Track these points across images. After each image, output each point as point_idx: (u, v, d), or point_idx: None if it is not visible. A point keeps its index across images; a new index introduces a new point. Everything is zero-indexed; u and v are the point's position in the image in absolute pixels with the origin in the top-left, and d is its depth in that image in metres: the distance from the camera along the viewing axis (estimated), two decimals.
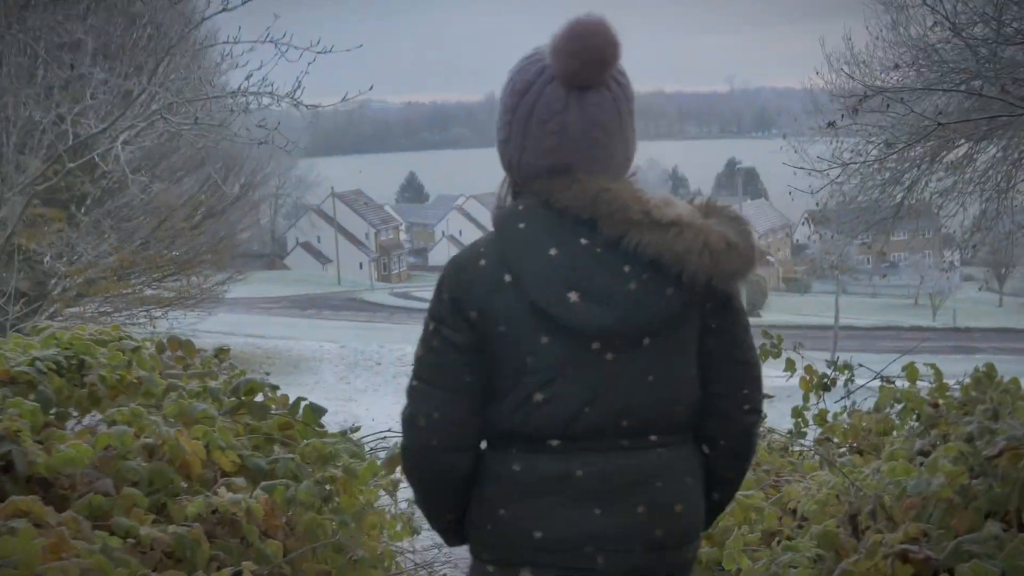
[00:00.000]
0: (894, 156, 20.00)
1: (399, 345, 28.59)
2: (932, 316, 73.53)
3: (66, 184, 20.43)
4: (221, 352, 5.79)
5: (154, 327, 23.66)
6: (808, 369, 7.49)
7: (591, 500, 2.70)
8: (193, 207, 23.67)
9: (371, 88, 10.00)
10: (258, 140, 10.69)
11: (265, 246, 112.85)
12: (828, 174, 20.56)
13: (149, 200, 22.51)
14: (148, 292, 24.10)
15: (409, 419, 2.80)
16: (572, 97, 2.68)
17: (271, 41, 9.62)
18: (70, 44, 10.94)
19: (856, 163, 19.37)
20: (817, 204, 20.66)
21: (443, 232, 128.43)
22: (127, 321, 23.56)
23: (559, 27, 2.67)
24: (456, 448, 2.78)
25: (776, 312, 69.35)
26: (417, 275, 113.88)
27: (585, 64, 2.63)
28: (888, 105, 14.89)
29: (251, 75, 9.97)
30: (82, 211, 21.53)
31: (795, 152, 20.56)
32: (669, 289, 2.64)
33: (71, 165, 9.92)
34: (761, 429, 3.73)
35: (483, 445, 2.88)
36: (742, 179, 43.26)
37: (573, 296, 2.62)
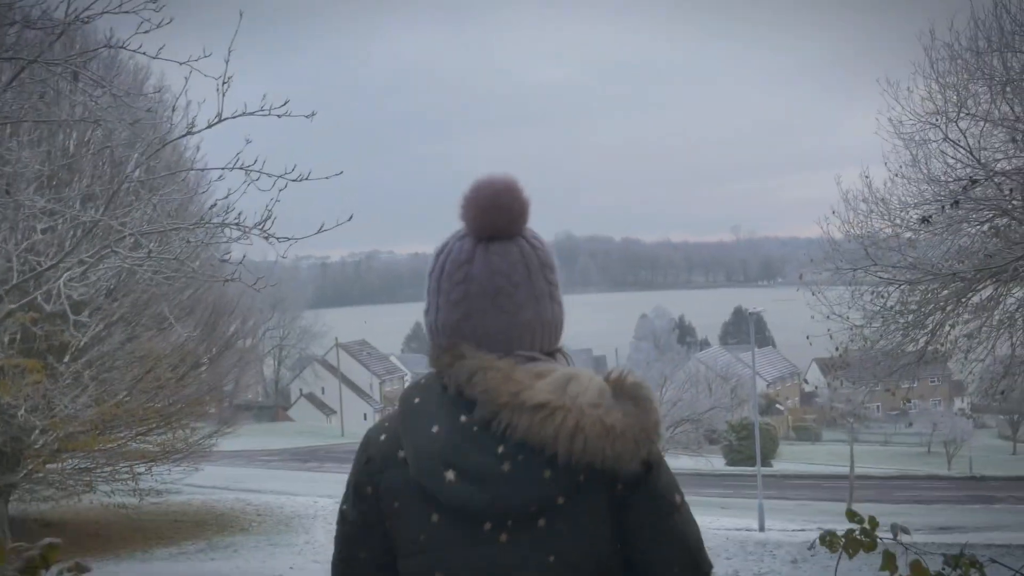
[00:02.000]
0: (916, 299, 19.27)
1: None
2: (947, 465, 71.63)
3: (45, 333, 19.54)
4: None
5: (137, 483, 22.55)
6: (916, 569, 4.27)
7: None
8: (180, 356, 22.56)
9: (350, 218, 8.84)
10: (223, 278, 9.68)
11: (268, 398, 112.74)
12: (848, 317, 19.88)
13: (132, 350, 21.54)
14: (132, 447, 22.87)
15: None
16: (479, 248, 2.73)
17: (240, 168, 8.56)
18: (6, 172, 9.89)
19: (889, 309, 18.67)
20: (837, 349, 19.86)
21: None
22: (109, 478, 22.44)
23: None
24: None
25: (787, 461, 68.19)
26: None
27: (486, 210, 2.70)
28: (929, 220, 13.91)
29: (215, 204, 8.96)
30: (63, 362, 20.51)
31: (813, 295, 19.78)
32: (546, 471, 2.55)
33: (12, 307, 8.79)
34: None
35: None
36: (753, 325, 41.93)
37: (450, 475, 2.57)
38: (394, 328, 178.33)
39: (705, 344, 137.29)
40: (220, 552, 19.68)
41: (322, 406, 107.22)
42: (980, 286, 18.29)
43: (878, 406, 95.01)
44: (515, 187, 2.74)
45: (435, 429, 2.62)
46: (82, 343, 21.70)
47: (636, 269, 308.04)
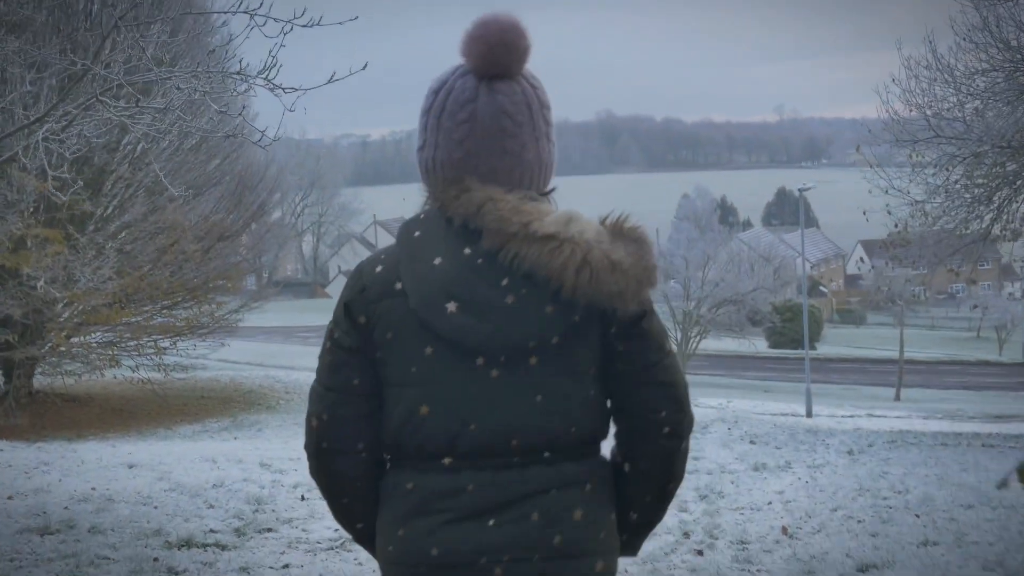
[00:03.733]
0: (982, 174, 18.18)
1: None
2: (998, 350, 70.69)
3: (66, 202, 18.76)
4: None
5: (161, 358, 21.89)
6: None
7: (484, 513, 2.66)
8: (206, 228, 21.77)
9: (365, 66, 7.79)
10: (226, 133, 8.72)
11: (307, 274, 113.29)
12: (909, 192, 18.78)
13: (156, 221, 20.79)
14: (157, 321, 22.18)
15: (307, 420, 2.84)
16: (482, 86, 2.71)
17: (244, 12, 7.54)
18: None
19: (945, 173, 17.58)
20: (896, 226, 18.78)
21: None
22: (134, 352, 21.79)
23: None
24: (343, 451, 2.80)
25: (832, 344, 67.61)
26: None
27: (492, 46, 2.67)
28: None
29: (213, 51, 7.94)
30: (85, 233, 19.78)
31: (871, 167, 18.65)
32: (548, 306, 2.60)
33: None
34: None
35: (387, 464, 2.85)
36: (802, 203, 40.86)
37: (451, 306, 2.60)
38: None
39: (747, 225, 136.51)
40: (243, 431, 19.03)
41: None
42: None
43: (924, 289, 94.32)
44: (520, 26, 2.71)
45: (437, 261, 2.64)
46: (105, 213, 20.97)
47: (677, 149, 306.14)
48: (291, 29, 7.66)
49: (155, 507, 9.02)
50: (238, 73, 7.90)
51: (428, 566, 2.67)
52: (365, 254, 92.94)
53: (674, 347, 3.12)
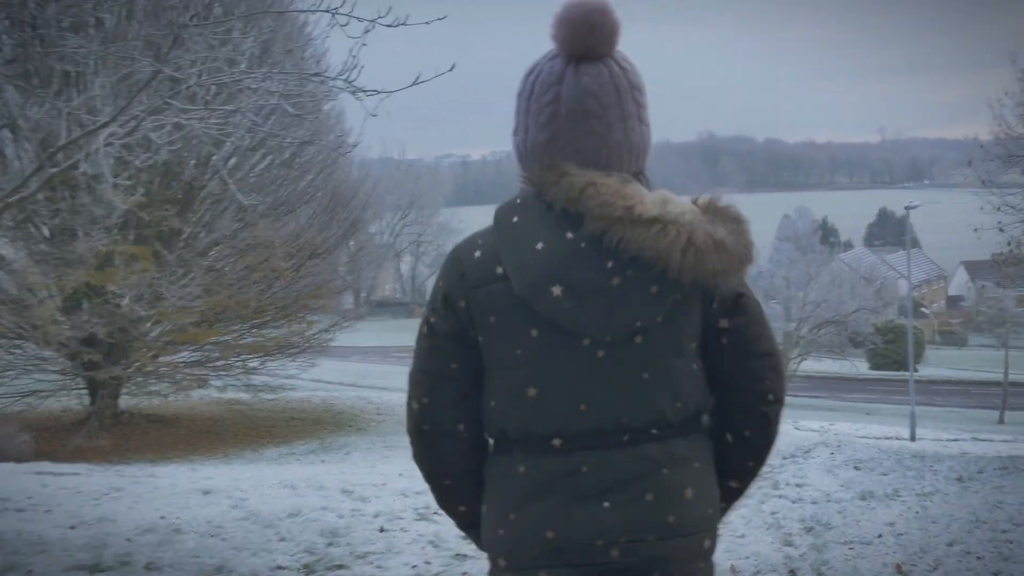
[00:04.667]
0: None
1: None
2: None
3: (153, 218, 18.54)
4: None
5: (249, 378, 21.60)
6: None
7: (598, 495, 2.70)
8: (297, 246, 21.45)
9: (452, 68, 7.28)
10: (301, 139, 8.28)
11: (405, 294, 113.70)
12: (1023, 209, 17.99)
13: (245, 238, 20.52)
14: (246, 340, 21.90)
15: (407, 405, 2.89)
16: (568, 68, 2.72)
17: (325, 10, 7.07)
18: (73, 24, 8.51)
19: None
20: (1009, 244, 18.03)
21: None
22: (222, 372, 21.53)
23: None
24: (444, 433, 2.84)
25: (934, 366, 66.16)
26: None
27: (576, 27, 2.68)
28: None
29: (290, 50, 7.46)
30: (174, 249, 19.55)
31: (983, 183, 17.92)
32: (653, 287, 2.64)
33: (53, 170, 7.45)
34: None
35: (490, 447, 2.88)
36: (909, 221, 39.90)
37: (556, 290, 2.64)
38: None
39: (848, 246, 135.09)
40: (331, 454, 18.60)
41: None
42: None
43: None
44: (606, 6, 2.71)
45: (540, 246, 2.65)
46: (194, 230, 20.74)
47: (778, 169, 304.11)
48: (373, 28, 7.18)
49: (223, 539, 8.56)
50: (316, 74, 7.45)
51: (544, 550, 2.71)
52: None
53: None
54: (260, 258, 20.67)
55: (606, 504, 2.69)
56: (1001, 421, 40.12)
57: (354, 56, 7.37)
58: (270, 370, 22.20)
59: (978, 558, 8.27)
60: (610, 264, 2.62)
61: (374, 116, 7.69)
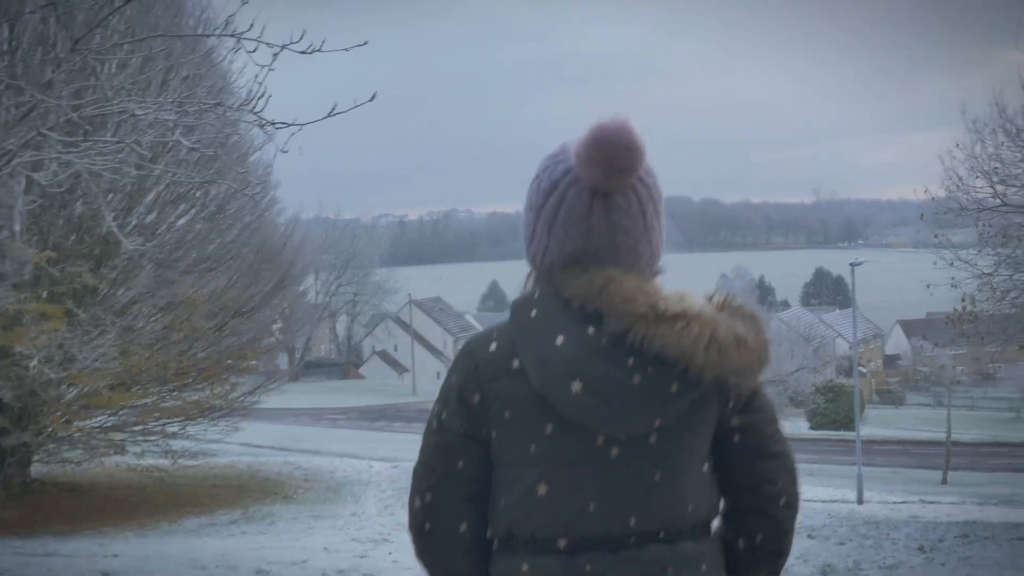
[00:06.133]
0: None
1: None
2: None
3: (66, 274, 17.57)
4: None
5: (168, 444, 20.53)
6: None
7: None
8: (220, 304, 20.48)
9: (373, 97, 6.45)
10: (217, 185, 7.28)
11: (340, 354, 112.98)
12: (975, 264, 17.41)
13: (164, 296, 19.55)
14: (166, 403, 20.85)
15: (410, 501, 2.87)
16: (596, 202, 2.71)
17: (230, 35, 6.24)
18: None
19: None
20: (963, 300, 17.45)
21: None
22: (139, 438, 20.46)
23: (583, 132, 2.68)
24: (446, 533, 2.81)
25: (873, 425, 65.93)
26: None
27: (608, 172, 2.66)
28: None
29: (187, 77, 6.56)
30: (88, 307, 18.55)
31: (935, 237, 17.33)
32: (674, 385, 2.60)
33: None
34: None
35: (494, 546, 2.83)
36: (852, 280, 39.38)
37: (576, 386, 2.60)
38: (470, 286, 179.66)
39: (786, 305, 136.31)
40: (254, 524, 17.60)
41: (394, 364, 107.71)
42: None
43: (962, 369, 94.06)
44: (637, 146, 2.64)
45: (560, 340, 2.62)
46: (111, 288, 19.77)
47: (716, 229, 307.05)
48: (277, 55, 6.34)
49: None
50: (217, 103, 6.55)
51: None
52: (399, 334, 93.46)
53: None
54: (181, 317, 19.68)
55: None
56: (944, 481, 39.77)
57: (260, 84, 6.52)
58: (191, 435, 21.15)
59: None
60: (631, 361, 2.60)
61: (284, 152, 6.85)
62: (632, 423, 2.62)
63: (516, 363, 2.67)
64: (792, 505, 2.84)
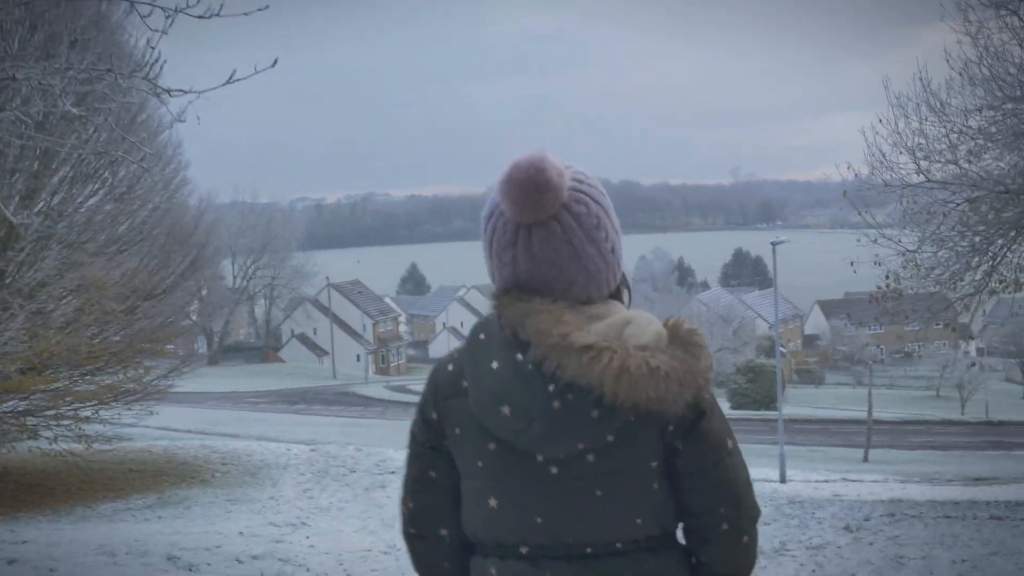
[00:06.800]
0: (978, 220, 16.75)
1: (379, 448, 24.77)
2: (960, 409, 70.41)
3: None
4: None
5: (81, 428, 19.99)
6: None
7: None
8: (131, 287, 19.95)
9: (274, 63, 6.10)
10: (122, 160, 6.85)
11: (259, 338, 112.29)
12: (899, 241, 17.31)
13: (74, 278, 19.02)
14: (79, 388, 20.29)
15: (400, 504, 3.07)
16: (521, 233, 2.78)
17: None
18: None
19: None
20: (888, 277, 17.36)
21: (444, 324, 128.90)
22: (52, 422, 19.92)
23: (503, 169, 2.79)
24: (426, 536, 2.99)
25: (793, 405, 66.46)
26: (416, 368, 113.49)
27: (521, 209, 2.74)
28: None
29: (75, 41, 6.20)
30: None
31: (859, 214, 17.19)
32: (594, 411, 2.68)
33: None
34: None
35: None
36: (774, 260, 39.17)
37: (505, 409, 2.72)
38: (389, 269, 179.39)
39: (705, 286, 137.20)
40: (170, 508, 17.15)
41: (314, 347, 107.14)
42: None
43: (882, 348, 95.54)
44: (545, 180, 2.71)
45: (495, 365, 2.76)
46: (18, 270, 19.23)
47: (634, 212, 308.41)
48: (172, 22, 5.96)
49: None
50: (108, 70, 6.16)
51: None
52: (319, 317, 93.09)
53: (736, 444, 2.90)
54: (92, 300, 19.15)
55: None
56: (866, 459, 40.05)
57: (153, 48, 6.14)
58: (105, 419, 20.59)
59: None
60: (551, 388, 2.68)
61: (181, 121, 6.49)
62: (557, 445, 2.71)
63: (465, 383, 2.81)
64: (737, 533, 2.87)
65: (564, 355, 2.64)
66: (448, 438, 2.88)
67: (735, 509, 2.85)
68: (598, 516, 2.76)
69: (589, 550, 2.77)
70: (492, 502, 2.81)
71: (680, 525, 2.92)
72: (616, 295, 2.90)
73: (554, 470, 2.75)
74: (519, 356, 2.73)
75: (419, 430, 2.95)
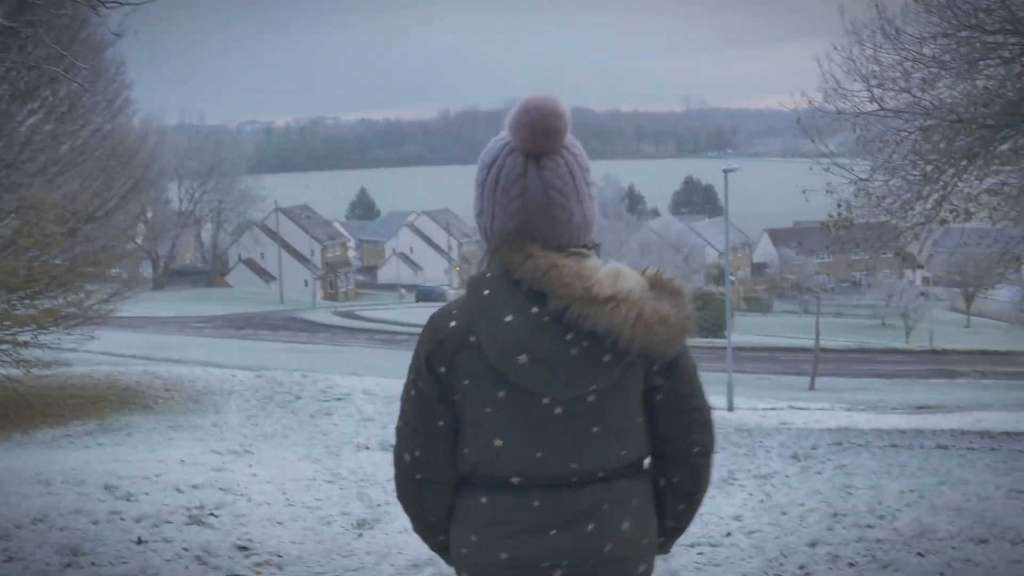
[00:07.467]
0: (930, 149, 16.63)
1: (325, 375, 24.37)
2: (905, 338, 71.97)
3: None
4: None
5: (20, 352, 19.63)
6: None
7: (547, 526, 3.06)
8: (71, 210, 19.54)
9: None
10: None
11: (206, 263, 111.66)
12: (851, 170, 17.17)
13: (10, 199, 18.63)
14: (17, 311, 19.91)
15: (397, 456, 3.27)
16: (530, 164, 3.05)
17: None
18: None
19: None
20: (839, 206, 17.23)
21: (394, 249, 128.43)
22: None
23: (516, 106, 3.06)
24: (435, 480, 3.21)
25: (740, 333, 66.87)
26: (365, 293, 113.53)
27: (537, 133, 3.00)
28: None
29: None
30: None
31: (812, 141, 17.03)
32: (607, 356, 2.95)
33: None
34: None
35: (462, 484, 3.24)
36: (726, 188, 38.94)
37: (523, 358, 2.97)
38: (338, 194, 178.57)
39: (656, 213, 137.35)
40: (111, 435, 16.75)
41: (261, 272, 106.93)
42: (1003, 135, 15.77)
43: (829, 277, 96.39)
44: (559, 111, 3.02)
45: (509, 318, 2.99)
46: None
47: (585, 138, 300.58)
48: None
49: None
50: None
51: (497, 567, 3.10)
52: (266, 242, 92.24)
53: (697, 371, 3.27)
54: (31, 222, 18.73)
55: (553, 532, 3.05)
56: (812, 387, 40.38)
57: None
58: (45, 343, 20.21)
59: (850, 564, 7.04)
60: (569, 336, 2.95)
61: (118, 36, 6.21)
62: (572, 388, 2.99)
63: (472, 338, 3.03)
64: (707, 453, 3.24)
65: (588, 306, 2.90)
66: (456, 388, 3.10)
67: (705, 432, 3.20)
68: (592, 449, 3.07)
69: (575, 479, 3.07)
70: (497, 442, 3.07)
71: (652, 452, 3.23)
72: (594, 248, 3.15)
73: (558, 410, 3.03)
74: (534, 309, 2.97)
75: (426, 385, 3.13)
